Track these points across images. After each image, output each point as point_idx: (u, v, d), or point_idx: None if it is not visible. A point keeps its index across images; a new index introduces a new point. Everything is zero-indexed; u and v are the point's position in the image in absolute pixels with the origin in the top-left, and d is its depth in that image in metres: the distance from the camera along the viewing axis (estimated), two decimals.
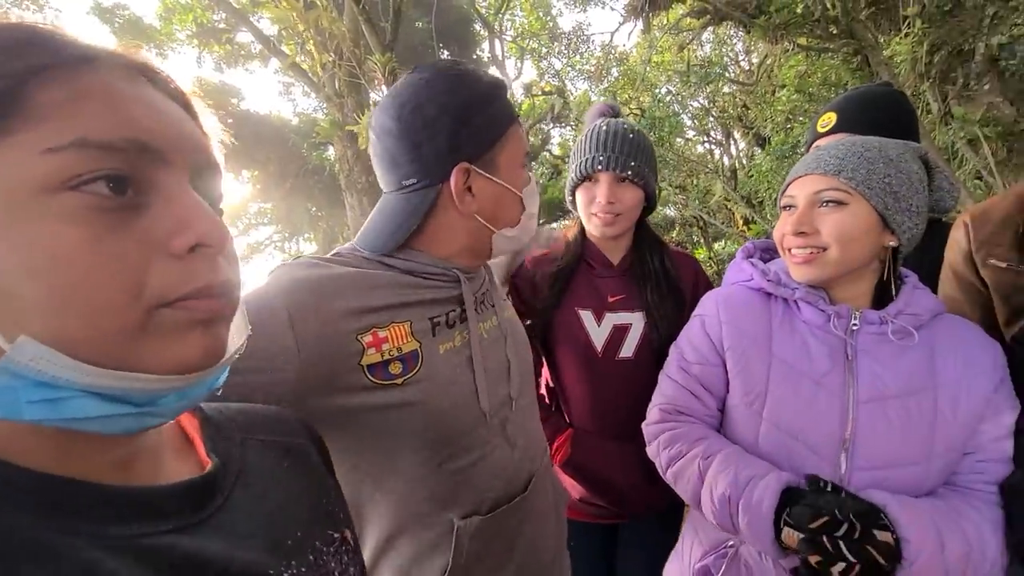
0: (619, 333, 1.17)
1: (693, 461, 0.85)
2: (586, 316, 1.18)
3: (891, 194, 0.77)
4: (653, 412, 0.97)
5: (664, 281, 1.19)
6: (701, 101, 7.99)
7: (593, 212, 1.15)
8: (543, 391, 1.31)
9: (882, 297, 0.85)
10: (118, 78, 0.32)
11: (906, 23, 5.08)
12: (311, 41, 3.70)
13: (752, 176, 7.06)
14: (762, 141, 7.55)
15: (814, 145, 1.20)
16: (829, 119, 1.18)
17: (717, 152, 9.80)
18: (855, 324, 0.83)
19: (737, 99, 7.68)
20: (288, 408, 0.55)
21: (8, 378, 0.28)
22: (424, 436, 0.70)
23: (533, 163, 10.31)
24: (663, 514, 1.26)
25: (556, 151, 12.19)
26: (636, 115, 7.89)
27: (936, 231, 0.99)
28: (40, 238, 0.28)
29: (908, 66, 5.24)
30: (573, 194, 1.21)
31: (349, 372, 0.65)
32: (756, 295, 0.93)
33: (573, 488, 1.23)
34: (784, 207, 0.87)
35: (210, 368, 0.34)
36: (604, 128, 1.15)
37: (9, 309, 0.28)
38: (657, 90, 7.64)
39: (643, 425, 0.99)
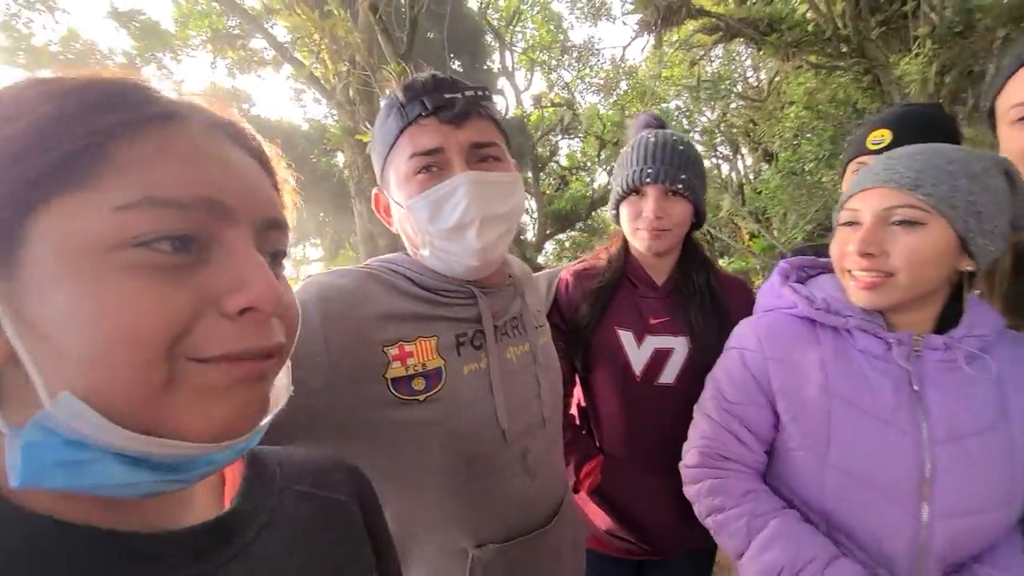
0: (660, 357, 1.10)
1: (740, 518, 0.79)
2: (626, 337, 1.11)
3: (974, 215, 0.67)
4: (692, 454, 0.89)
5: (710, 303, 1.12)
6: (710, 116, 8.01)
7: (639, 227, 1.09)
8: (573, 411, 1.25)
9: (943, 319, 0.76)
10: (198, 134, 0.32)
11: (916, 43, 5.11)
12: (325, 50, 3.73)
13: (760, 192, 7.06)
14: (769, 157, 7.56)
15: (860, 160, 1.13)
16: (883, 136, 1.10)
17: (725, 167, 9.82)
18: (917, 351, 0.74)
19: (745, 114, 7.70)
20: (341, 457, 0.53)
21: (40, 434, 0.27)
22: (442, 458, 0.68)
23: (541, 174, 10.34)
24: (694, 553, 1.17)
25: (564, 162, 12.25)
26: None
27: None
28: (98, 292, 0.28)
29: (918, 86, 5.25)
30: (617, 208, 1.15)
31: (373, 383, 0.64)
32: (800, 323, 0.83)
33: (599, 518, 1.16)
34: (846, 223, 0.77)
35: (248, 434, 0.33)
36: (652, 139, 1.09)
37: (54, 363, 0.27)
38: (665, 104, 7.68)
39: (681, 466, 0.91)
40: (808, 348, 0.80)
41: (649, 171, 1.05)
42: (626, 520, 1.13)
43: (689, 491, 0.89)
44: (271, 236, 0.36)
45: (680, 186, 1.05)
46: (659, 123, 1.18)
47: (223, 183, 0.32)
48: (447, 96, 0.68)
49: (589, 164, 11.33)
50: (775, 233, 7.10)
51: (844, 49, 4.71)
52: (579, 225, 11.36)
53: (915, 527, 0.71)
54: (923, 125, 1.08)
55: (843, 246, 0.76)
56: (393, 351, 0.66)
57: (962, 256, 0.71)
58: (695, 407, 0.94)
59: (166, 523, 0.34)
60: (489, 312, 0.75)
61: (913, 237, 0.69)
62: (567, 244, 12.52)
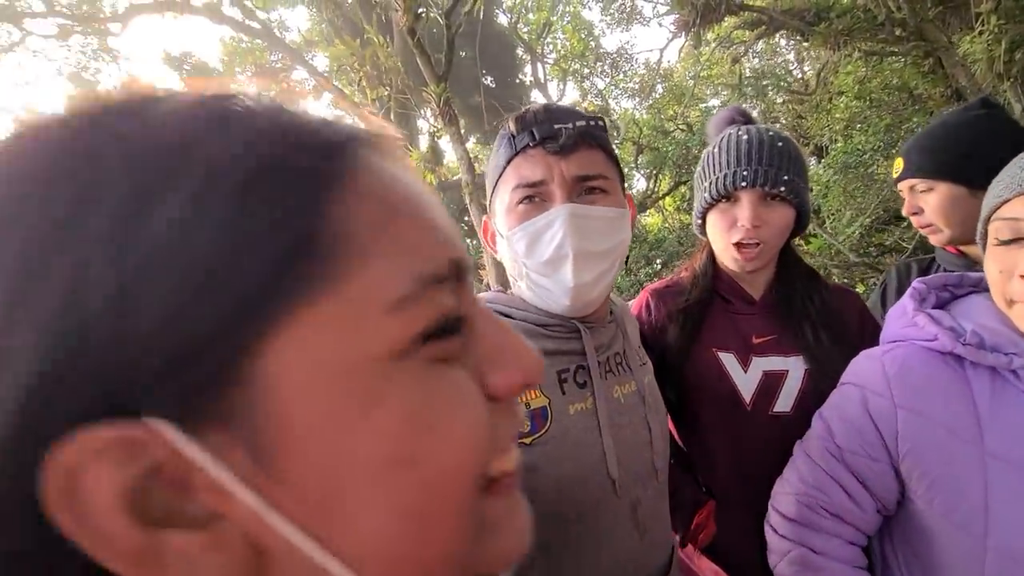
0: (772, 382, 0.95)
1: None
2: (728, 360, 0.97)
3: None
4: (789, 501, 0.77)
5: (827, 320, 0.96)
6: (753, 113, 7.75)
7: (735, 240, 0.95)
8: None
9: None
10: (390, 166, 0.23)
11: (979, 21, 4.76)
12: (364, 76, 3.81)
13: (812, 190, 6.75)
14: (820, 151, 7.22)
15: (896, 187, 1.17)
16: (898, 166, 1.15)
17: None
18: None
19: (792, 109, 7.40)
20: None
21: None
22: (547, 509, 0.63)
23: None
24: None
25: None
26: (683, 131, 7.73)
27: None
28: (395, 418, 0.20)
29: (985, 66, 4.91)
30: (703, 217, 1.02)
31: None
32: (943, 360, 0.68)
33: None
34: (1004, 241, 0.63)
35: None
36: (745, 136, 0.94)
37: (360, 533, 0.20)
38: (704, 104, 7.47)
39: (772, 508, 0.80)
40: (956, 393, 0.66)
41: (745, 173, 0.91)
42: (747, 574, 0.93)
43: (773, 546, 0.77)
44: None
45: (783, 188, 0.91)
46: (746, 117, 1.04)
47: (455, 235, 0.24)
48: (556, 127, 0.67)
49: (627, 170, 11.16)
50: (830, 229, 6.75)
51: (900, 33, 4.44)
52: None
53: None
54: (936, 145, 1.08)
55: (1009, 268, 0.62)
56: None
57: None
58: (796, 444, 0.82)
59: None
60: (592, 346, 0.71)
61: None
62: None
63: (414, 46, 3.11)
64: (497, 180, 0.72)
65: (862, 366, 0.76)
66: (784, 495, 0.78)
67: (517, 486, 0.26)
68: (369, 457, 0.19)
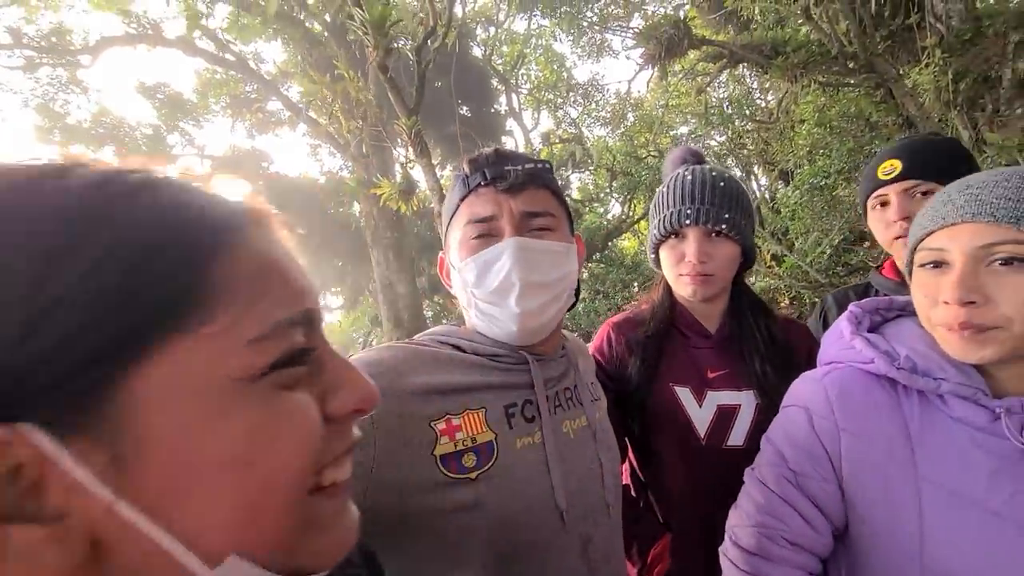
0: (726, 416, 0.98)
1: None
2: (684, 394, 1.00)
3: None
4: (747, 533, 0.75)
5: (776, 354, 1.00)
6: (720, 140, 8.02)
7: (682, 272, 1.00)
8: (626, 479, 1.11)
9: None
10: (265, 236, 0.30)
11: (925, 54, 5.06)
12: (338, 108, 3.84)
13: (780, 212, 6.95)
14: (786, 176, 7.48)
15: (876, 195, 1.12)
16: (893, 166, 1.10)
17: None
18: None
19: (758, 136, 7.69)
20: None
21: None
22: (491, 547, 0.62)
23: None
24: None
25: (576, 195, 12.32)
26: (655, 157, 7.95)
27: None
28: (240, 429, 0.25)
29: (933, 95, 5.19)
30: (656, 252, 1.07)
31: (423, 463, 0.61)
32: (878, 384, 0.70)
33: None
34: (928, 264, 0.66)
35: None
36: (689, 176, 1.00)
37: (203, 521, 0.24)
38: (674, 132, 7.71)
39: (729, 539, 0.79)
40: (890, 415, 0.68)
41: (689, 211, 0.97)
42: None
43: (729, 575, 0.76)
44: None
45: (724, 226, 0.96)
46: (697, 158, 1.10)
47: (309, 287, 0.30)
48: (506, 168, 0.71)
49: (602, 195, 11.37)
50: (798, 252, 6.95)
51: (852, 66, 4.69)
52: (596, 256, 11.32)
53: None
54: (927, 148, 1.09)
55: (932, 293, 0.65)
56: (440, 426, 0.62)
57: None
58: (747, 471, 0.81)
59: None
60: (541, 379, 0.71)
61: (1022, 278, 0.58)
62: (585, 276, 12.47)
63: (385, 81, 3.16)
64: (451, 217, 0.76)
65: (804, 388, 0.77)
66: (742, 528, 0.77)
67: (347, 494, 0.31)
68: (215, 459, 0.24)
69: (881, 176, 1.11)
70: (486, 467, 0.63)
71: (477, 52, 10.18)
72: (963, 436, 0.64)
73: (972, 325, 0.61)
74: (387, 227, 5.71)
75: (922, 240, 0.67)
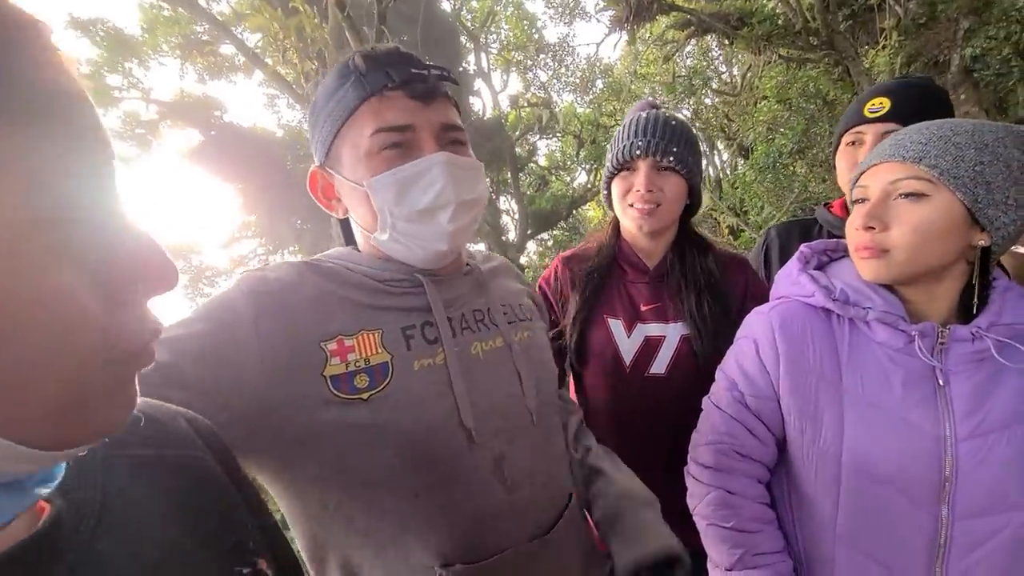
0: (650, 346, 1.04)
1: (738, 547, 0.78)
2: (615, 326, 1.06)
3: (983, 184, 0.65)
4: (705, 452, 0.84)
5: (707, 288, 1.05)
6: (685, 112, 8.09)
7: (630, 203, 1.04)
8: None
9: (970, 306, 0.72)
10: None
11: (883, 35, 5.22)
12: (292, 50, 3.64)
13: (737, 187, 7.14)
14: (745, 151, 7.66)
15: (855, 130, 1.09)
16: (882, 103, 1.07)
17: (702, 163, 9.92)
18: (942, 343, 0.70)
19: (720, 110, 7.80)
20: (168, 406, 0.44)
21: None
22: (394, 463, 0.61)
23: (521, 174, 10.33)
24: (691, 553, 1.09)
25: (543, 162, 12.26)
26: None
27: None
28: (25, 276, 0.22)
29: (887, 76, 5.37)
30: (609, 187, 1.10)
31: (311, 383, 0.59)
32: (816, 314, 0.79)
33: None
34: (856, 200, 0.75)
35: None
36: (644, 115, 1.05)
37: None
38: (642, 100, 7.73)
39: (691, 461, 0.87)
40: (823, 341, 0.77)
41: (640, 144, 1.01)
42: None
43: (694, 491, 0.84)
44: None
45: (672, 159, 1.00)
46: (654, 107, 1.14)
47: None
48: (413, 71, 0.63)
49: (568, 163, 11.36)
50: (753, 224, 7.20)
51: (814, 42, 4.79)
52: (561, 224, 11.39)
53: (935, 528, 0.68)
54: (921, 95, 1.07)
55: (852, 222, 0.73)
56: (331, 346, 0.60)
57: (973, 229, 0.68)
58: (704, 399, 0.89)
59: None
60: (440, 301, 0.69)
61: (917, 209, 0.68)
62: (550, 244, 12.53)
63: (343, 19, 3.00)
64: (342, 124, 0.65)
65: (753, 321, 0.85)
66: (702, 447, 0.86)
67: (134, 369, 0.28)
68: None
69: (866, 112, 1.08)
70: (379, 388, 0.61)
71: (447, 6, 9.80)
72: (883, 356, 0.73)
73: (869, 247, 0.70)
74: None
75: (855, 181, 0.76)
